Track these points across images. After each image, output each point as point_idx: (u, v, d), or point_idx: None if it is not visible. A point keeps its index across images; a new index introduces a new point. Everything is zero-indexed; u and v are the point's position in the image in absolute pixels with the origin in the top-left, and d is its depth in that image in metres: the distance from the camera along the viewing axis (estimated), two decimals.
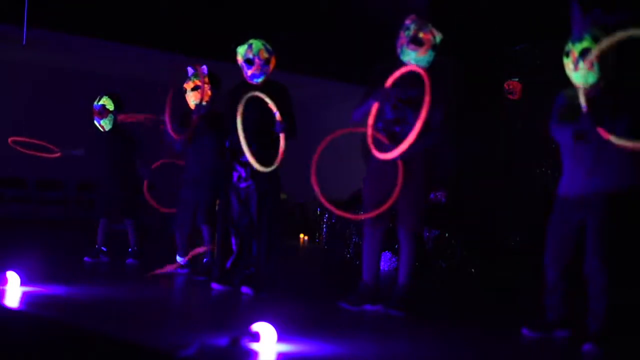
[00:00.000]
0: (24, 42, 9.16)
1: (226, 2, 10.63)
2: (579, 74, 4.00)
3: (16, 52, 11.02)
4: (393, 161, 4.67)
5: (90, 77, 12.71)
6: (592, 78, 4.00)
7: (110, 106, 6.90)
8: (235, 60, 5.44)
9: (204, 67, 6.05)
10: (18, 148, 7.41)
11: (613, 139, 3.75)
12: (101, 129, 6.96)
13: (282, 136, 5.17)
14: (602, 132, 3.77)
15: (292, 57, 7.14)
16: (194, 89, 6.04)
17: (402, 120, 4.72)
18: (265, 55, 5.33)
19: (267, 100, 5.14)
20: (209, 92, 6.07)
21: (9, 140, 7.39)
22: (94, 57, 11.82)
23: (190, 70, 6.16)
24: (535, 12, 8.73)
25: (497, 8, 9.30)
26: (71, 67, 12.71)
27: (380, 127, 4.77)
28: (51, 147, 7.33)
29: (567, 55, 4.05)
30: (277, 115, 5.14)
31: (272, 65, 5.40)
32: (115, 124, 6.97)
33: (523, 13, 9.03)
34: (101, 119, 6.90)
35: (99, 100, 6.93)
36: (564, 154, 4.20)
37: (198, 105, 5.87)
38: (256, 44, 5.34)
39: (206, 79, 6.00)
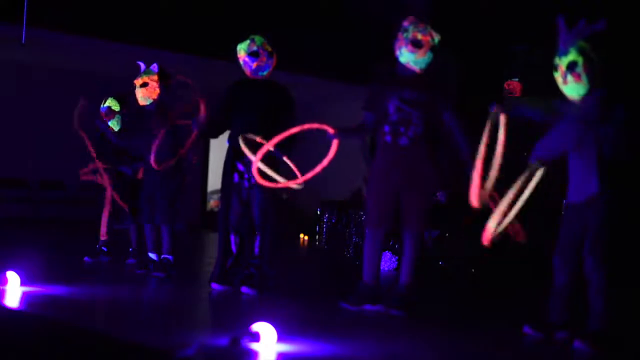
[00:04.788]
0: (23, 42, 9.15)
1: (225, 2, 10.62)
2: (569, 87, 4.02)
3: (16, 52, 11.01)
4: (397, 163, 4.67)
5: (91, 78, 12.71)
6: (582, 90, 4.01)
7: (116, 107, 6.87)
8: (233, 59, 5.43)
9: (154, 64, 6.08)
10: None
11: None
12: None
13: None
14: None
15: (293, 57, 7.12)
16: (142, 85, 6.04)
17: (406, 121, 4.74)
18: (269, 48, 5.37)
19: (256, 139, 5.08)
20: (157, 90, 6.04)
21: None
22: (95, 58, 11.80)
23: (142, 66, 6.15)
24: (535, 12, 8.73)
25: (498, 8, 9.30)
26: (72, 67, 12.70)
27: (387, 131, 4.78)
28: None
29: (556, 69, 4.07)
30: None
31: (275, 60, 5.41)
32: (123, 124, 6.93)
33: (523, 13, 9.03)
34: (109, 120, 6.86)
35: (104, 103, 6.90)
36: (571, 163, 4.19)
37: (152, 103, 5.99)
38: (258, 37, 5.37)
39: (155, 77, 6.01)
